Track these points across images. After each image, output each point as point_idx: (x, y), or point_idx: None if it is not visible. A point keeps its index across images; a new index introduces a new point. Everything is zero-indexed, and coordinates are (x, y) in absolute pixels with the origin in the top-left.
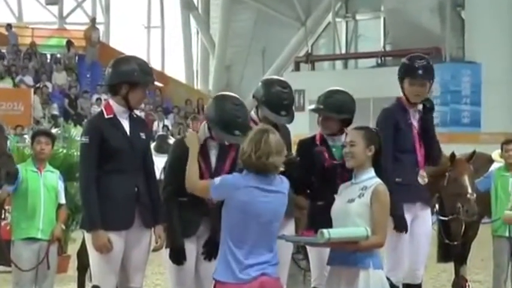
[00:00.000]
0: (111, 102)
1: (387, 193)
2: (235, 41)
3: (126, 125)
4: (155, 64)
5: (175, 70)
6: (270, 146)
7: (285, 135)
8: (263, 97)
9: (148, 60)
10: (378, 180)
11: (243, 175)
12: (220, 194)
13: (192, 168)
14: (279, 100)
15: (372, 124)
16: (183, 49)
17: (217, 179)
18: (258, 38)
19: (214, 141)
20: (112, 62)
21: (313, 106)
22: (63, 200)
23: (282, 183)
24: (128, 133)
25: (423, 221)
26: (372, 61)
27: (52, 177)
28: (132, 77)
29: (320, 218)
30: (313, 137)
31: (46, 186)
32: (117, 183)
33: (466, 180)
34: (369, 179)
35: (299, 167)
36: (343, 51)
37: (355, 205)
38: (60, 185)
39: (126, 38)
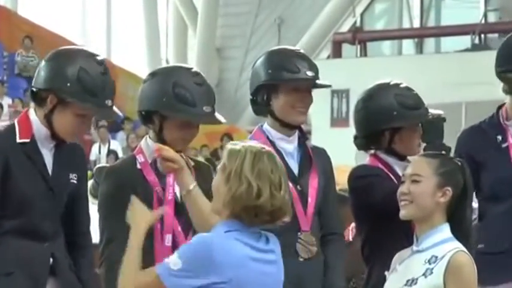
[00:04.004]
0: (32, 116)
1: (473, 269)
2: (233, 8)
3: (48, 157)
4: (96, 46)
5: (129, 57)
6: (284, 172)
7: (323, 158)
8: (268, 69)
9: (83, 40)
10: (456, 245)
11: (224, 231)
12: (184, 280)
13: (131, 259)
14: (287, 54)
15: None
16: (143, 20)
17: (172, 259)
18: (270, 2)
19: None
20: (52, 53)
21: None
22: None
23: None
24: (50, 171)
25: None
26: (465, 40)
27: None
28: (61, 88)
29: None
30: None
31: None
32: (22, 253)
33: None
34: (442, 243)
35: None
36: (416, 25)
37: None
38: None
39: (46, 2)
